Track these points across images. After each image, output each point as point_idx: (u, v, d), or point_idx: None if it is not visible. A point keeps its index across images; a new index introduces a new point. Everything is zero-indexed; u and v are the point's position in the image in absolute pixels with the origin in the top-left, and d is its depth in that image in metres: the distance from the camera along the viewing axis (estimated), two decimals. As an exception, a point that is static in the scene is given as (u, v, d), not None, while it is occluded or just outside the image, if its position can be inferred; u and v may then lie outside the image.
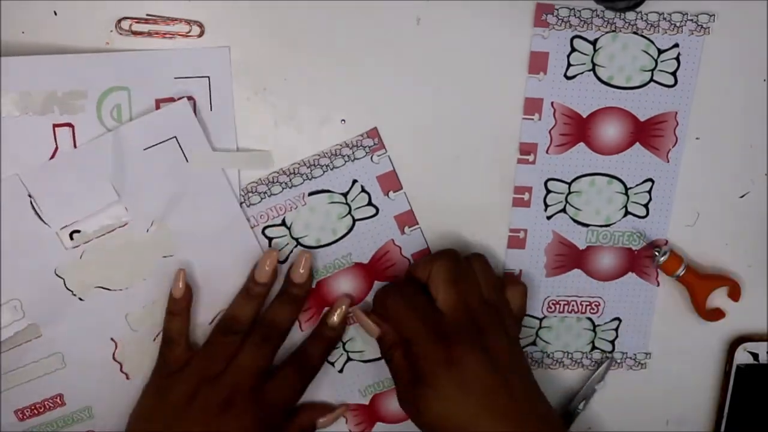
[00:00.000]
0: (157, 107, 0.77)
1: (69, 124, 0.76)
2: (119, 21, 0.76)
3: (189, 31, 0.77)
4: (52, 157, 0.76)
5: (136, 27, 0.76)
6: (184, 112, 0.78)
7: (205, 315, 0.83)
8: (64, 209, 0.77)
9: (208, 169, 0.80)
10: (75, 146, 0.76)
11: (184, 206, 0.80)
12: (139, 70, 0.77)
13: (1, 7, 0.74)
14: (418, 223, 0.85)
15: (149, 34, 0.76)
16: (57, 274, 0.79)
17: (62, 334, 0.81)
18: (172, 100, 0.78)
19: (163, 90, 0.77)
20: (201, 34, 0.77)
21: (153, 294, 0.82)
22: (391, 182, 0.83)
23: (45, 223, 0.77)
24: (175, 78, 0.78)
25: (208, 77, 0.78)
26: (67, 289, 0.80)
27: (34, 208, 0.77)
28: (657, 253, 0.87)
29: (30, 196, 0.76)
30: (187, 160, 0.79)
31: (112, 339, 0.82)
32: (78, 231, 0.79)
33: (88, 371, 0.83)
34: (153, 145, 0.78)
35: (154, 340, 0.83)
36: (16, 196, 0.76)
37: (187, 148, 0.78)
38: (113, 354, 0.83)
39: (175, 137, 0.78)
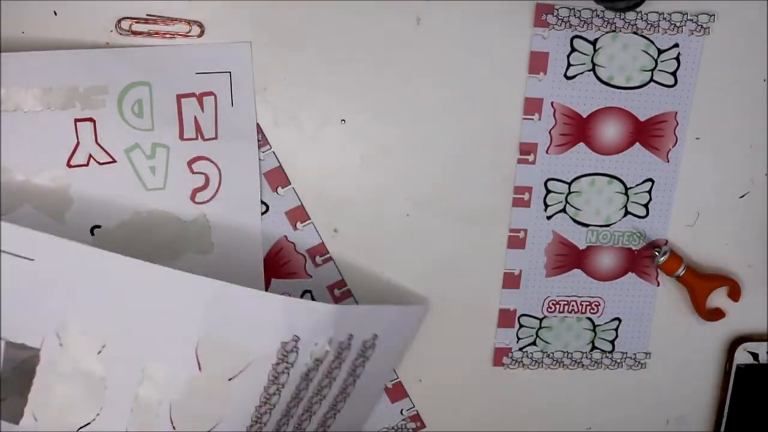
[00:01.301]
0: (179, 102, 0.77)
1: (90, 119, 0.76)
2: (119, 21, 0.76)
3: (189, 31, 0.77)
4: (73, 152, 0.76)
5: (136, 27, 0.76)
6: None
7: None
8: None
9: None
10: (96, 141, 0.76)
11: None
12: (160, 65, 0.77)
13: (1, 7, 0.74)
14: (309, 218, 0.84)
15: (149, 34, 0.76)
16: None
17: None
18: (193, 95, 0.77)
19: (184, 85, 0.77)
20: (201, 34, 0.77)
21: None
22: (279, 178, 0.82)
23: None
24: (197, 73, 0.77)
25: (230, 72, 0.78)
26: None
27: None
28: (657, 253, 0.87)
29: None
30: None
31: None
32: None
33: None
34: None
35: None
36: None
37: None
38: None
39: None
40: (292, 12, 0.78)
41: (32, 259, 0.71)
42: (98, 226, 0.79)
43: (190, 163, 0.79)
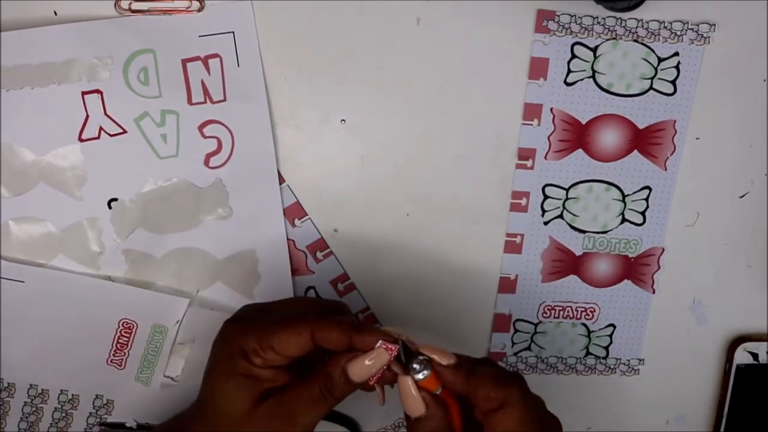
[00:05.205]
0: (184, 67, 0.77)
1: (97, 91, 0.76)
2: (118, 1, 0.75)
3: (189, 7, 0.76)
4: (83, 126, 0.77)
5: (136, 6, 0.76)
6: None
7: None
8: None
9: None
10: (105, 113, 0.77)
11: None
12: (162, 31, 0.76)
13: (1, 7, 0.74)
14: (306, 214, 0.84)
15: (149, 11, 0.76)
16: None
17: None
18: (198, 59, 0.77)
19: (188, 49, 0.77)
20: (200, 9, 0.76)
21: None
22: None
23: None
24: (200, 36, 0.77)
25: (233, 33, 0.78)
26: None
27: None
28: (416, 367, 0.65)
29: None
30: None
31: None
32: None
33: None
34: None
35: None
36: None
37: None
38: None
39: None
40: (292, 12, 0.78)
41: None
42: (115, 199, 0.79)
43: (200, 127, 0.79)
